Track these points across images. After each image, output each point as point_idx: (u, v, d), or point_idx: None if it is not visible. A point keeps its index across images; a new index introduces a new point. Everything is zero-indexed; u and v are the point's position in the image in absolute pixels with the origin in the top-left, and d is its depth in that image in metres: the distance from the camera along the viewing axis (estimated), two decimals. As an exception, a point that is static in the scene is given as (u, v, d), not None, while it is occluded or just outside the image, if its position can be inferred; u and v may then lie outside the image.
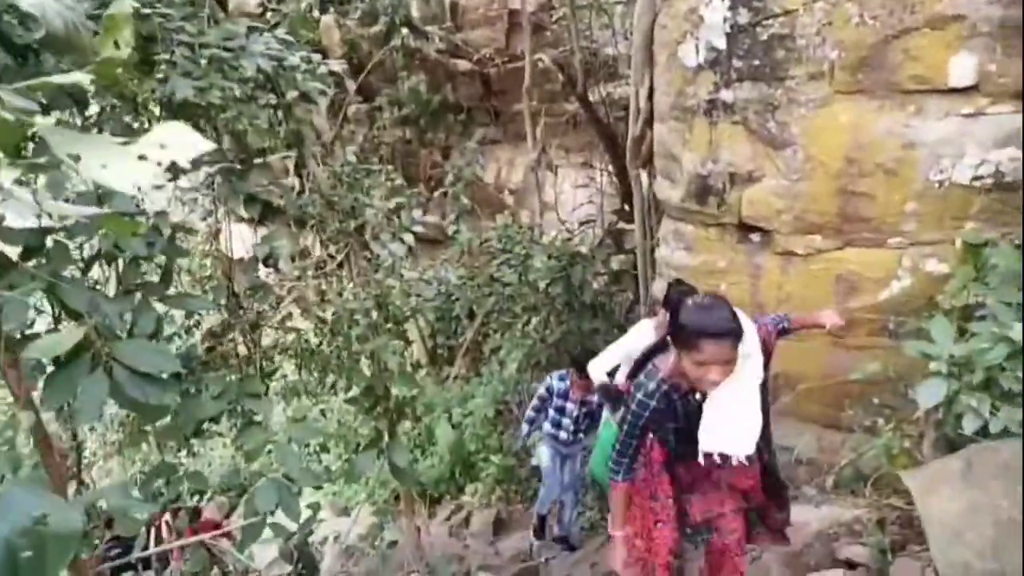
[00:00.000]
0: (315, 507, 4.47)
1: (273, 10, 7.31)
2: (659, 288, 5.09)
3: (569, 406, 5.34)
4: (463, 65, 12.46)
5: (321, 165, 4.33)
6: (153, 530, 6.82)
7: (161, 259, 3.59)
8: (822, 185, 4.17)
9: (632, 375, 2.80)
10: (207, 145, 0.88)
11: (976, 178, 3.83)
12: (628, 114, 7.80)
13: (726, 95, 4.33)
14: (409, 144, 12.88)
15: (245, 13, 8.75)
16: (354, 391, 3.62)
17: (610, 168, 8.24)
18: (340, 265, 4.01)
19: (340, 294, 3.90)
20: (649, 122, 5.31)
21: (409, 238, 3.92)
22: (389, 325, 3.75)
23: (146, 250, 3.37)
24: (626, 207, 7.91)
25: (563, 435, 5.44)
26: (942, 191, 3.93)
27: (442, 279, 7.96)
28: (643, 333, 4.01)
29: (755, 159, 4.34)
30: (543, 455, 5.73)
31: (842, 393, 4.46)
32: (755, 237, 4.55)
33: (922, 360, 3.42)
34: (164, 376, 2.90)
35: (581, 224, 8.57)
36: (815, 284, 4.34)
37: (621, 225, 8.43)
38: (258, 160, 4.28)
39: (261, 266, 3.61)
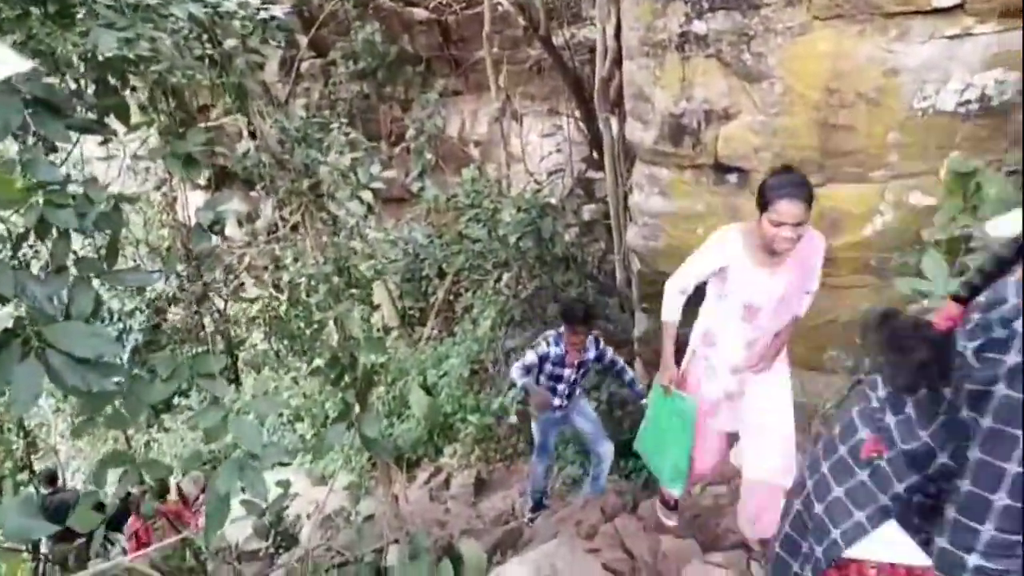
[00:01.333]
0: (284, 485, 4.27)
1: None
2: (633, 236, 4.89)
3: (566, 372, 4.72)
4: (420, 13, 11.98)
5: (271, 122, 4.01)
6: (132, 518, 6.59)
7: (104, 233, 3.30)
8: (801, 118, 3.96)
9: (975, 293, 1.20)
10: (21, 64, 0.64)
11: (961, 103, 3.66)
12: (594, 56, 7.52)
13: (698, 27, 4.08)
14: (367, 99, 12.41)
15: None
16: (318, 361, 3.36)
17: (577, 114, 7.96)
18: (295, 228, 3.72)
19: (296, 259, 3.62)
20: (617, 61, 5.04)
21: (368, 196, 3.62)
22: (352, 290, 3.47)
23: (77, 222, 3.07)
24: (595, 154, 7.67)
25: (557, 401, 4.81)
26: (925, 120, 3.75)
27: (408, 239, 7.68)
28: (729, 240, 3.00)
29: (731, 94, 4.12)
30: (534, 431, 5.12)
31: (824, 335, 4.34)
32: (732, 178, 4.36)
33: (910, 297, 3.28)
34: (108, 360, 2.66)
35: (550, 174, 8.31)
36: (796, 224, 4.17)
37: (591, 173, 8.20)
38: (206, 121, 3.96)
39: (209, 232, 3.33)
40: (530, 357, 4.69)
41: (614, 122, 5.39)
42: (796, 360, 4.56)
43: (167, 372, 3.10)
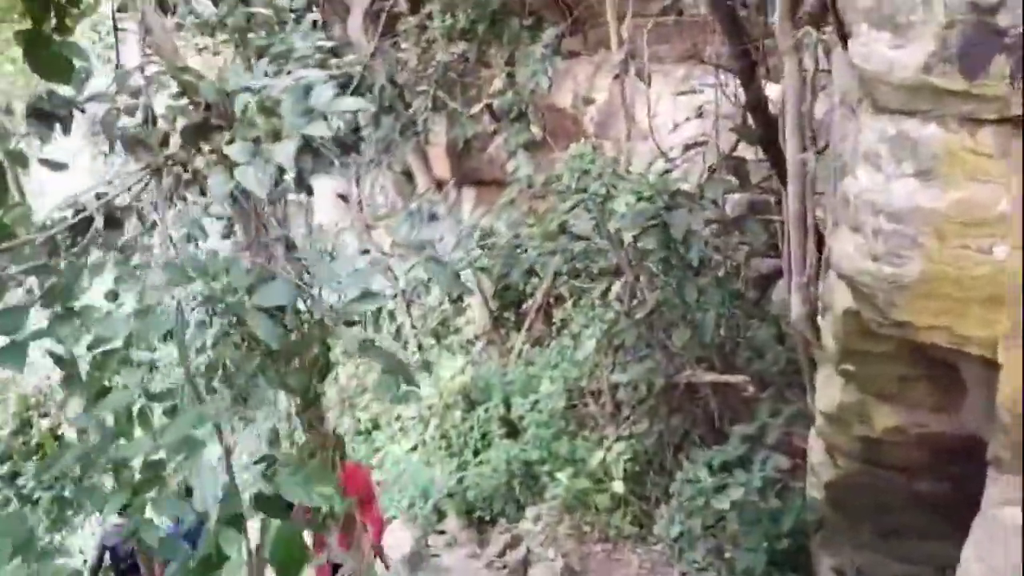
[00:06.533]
0: None
1: None
2: (851, 252, 2.70)
3: None
4: (530, -45, 10.07)
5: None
6: None
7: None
8: None
9: None
10: None
11: None
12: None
13: None
14: (466, 62, 10.60)
15: None
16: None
17: (729, 67, 5.73)
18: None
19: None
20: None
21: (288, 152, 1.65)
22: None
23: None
24: (751, 121, 5.44)
25: None
26: None
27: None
28: None
29: None
30: None
31: None
32: (1091, 144, 2.12)
33: None
34: None
35: (686, 148, 6.11)
36: None
37: (742, 150, 5.96)
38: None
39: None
40: None
41: (808, 55, 3.21)
42: None
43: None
